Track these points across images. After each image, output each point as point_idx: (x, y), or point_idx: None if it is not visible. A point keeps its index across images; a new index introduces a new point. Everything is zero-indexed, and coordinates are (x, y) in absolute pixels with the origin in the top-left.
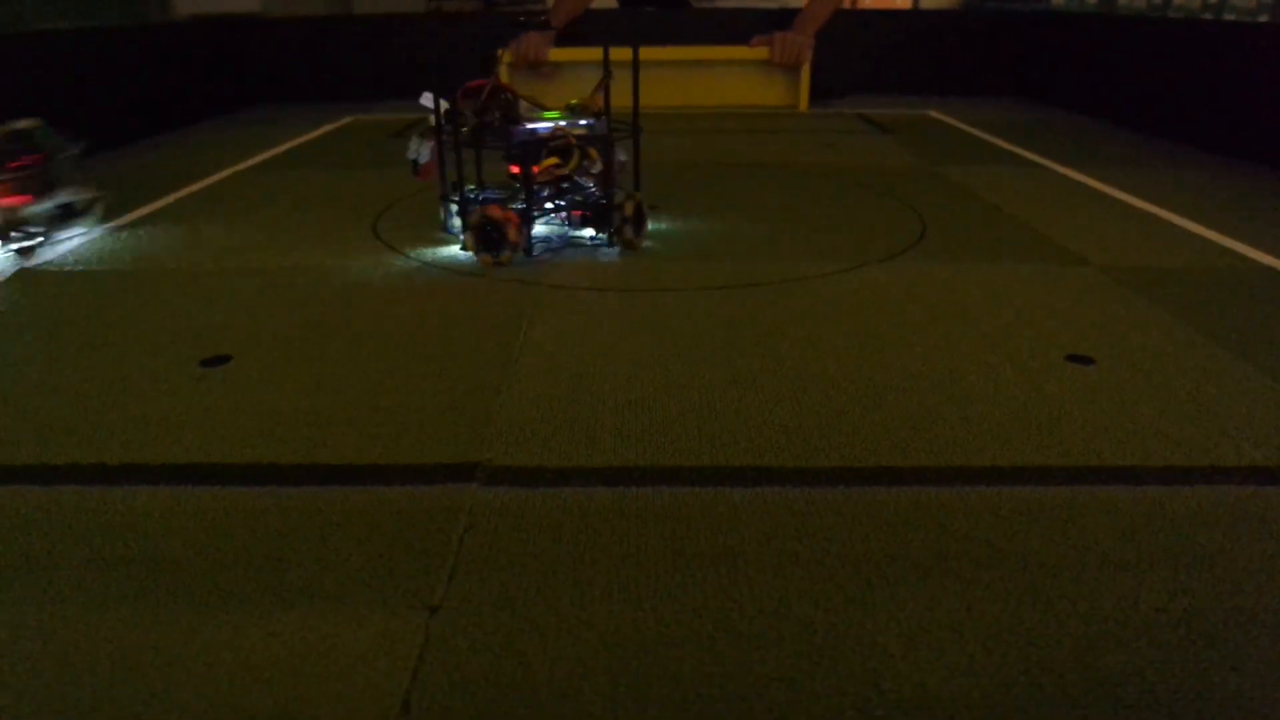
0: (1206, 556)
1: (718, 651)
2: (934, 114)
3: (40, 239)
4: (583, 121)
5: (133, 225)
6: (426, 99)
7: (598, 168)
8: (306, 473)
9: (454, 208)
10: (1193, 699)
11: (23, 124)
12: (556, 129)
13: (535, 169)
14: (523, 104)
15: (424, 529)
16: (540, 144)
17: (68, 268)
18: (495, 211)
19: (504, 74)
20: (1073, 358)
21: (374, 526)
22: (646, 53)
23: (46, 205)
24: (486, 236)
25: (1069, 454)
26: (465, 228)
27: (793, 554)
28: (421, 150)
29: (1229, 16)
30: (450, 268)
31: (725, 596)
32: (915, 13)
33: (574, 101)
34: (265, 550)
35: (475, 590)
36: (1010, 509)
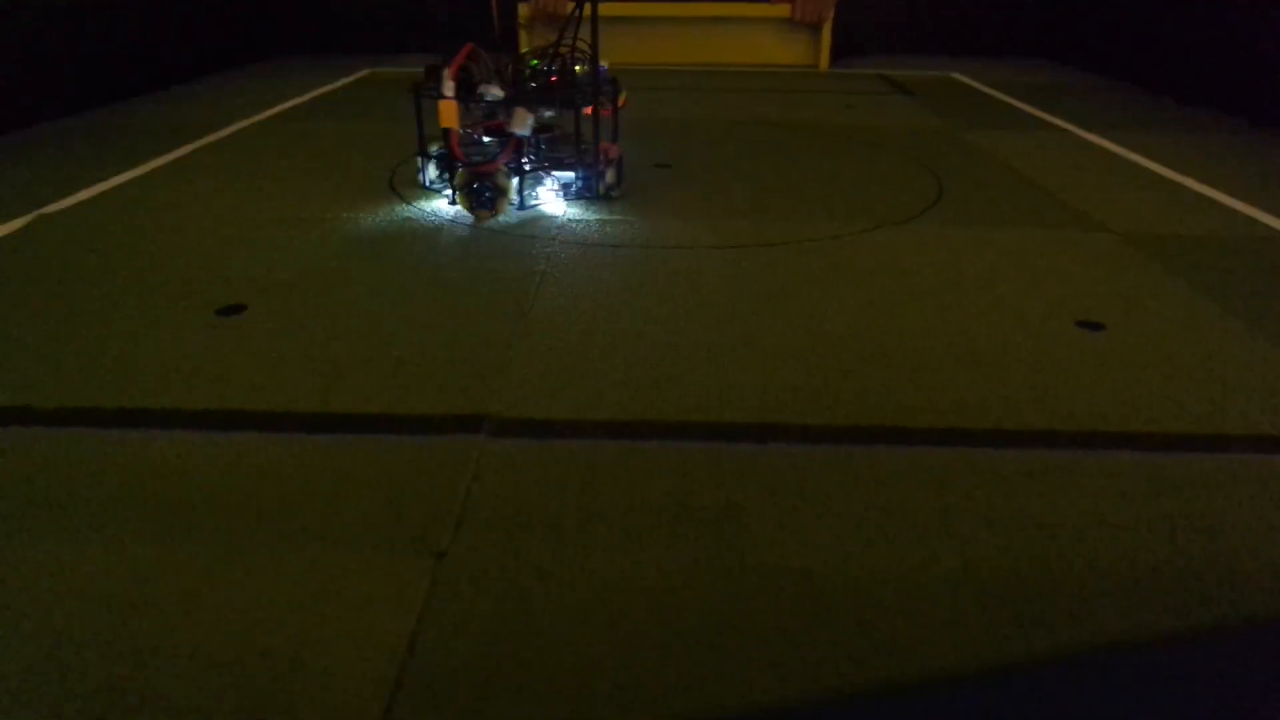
0: (1205, 521)
1: (717, 601)
2: (957, 75)
3: None
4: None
5: (148, 176)
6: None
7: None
8: (319, 420)
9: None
10: (1182, 657)
11: None
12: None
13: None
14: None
15: (432, 478)
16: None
17: (85, 217)
18: (483, 167)
19: (523, 35)
20: (1083, 324)
21: (384, 474)
22: (663, 9)
23: None
24: (477, 193)
25: (1073, 418)
26: (452, 187)
27: (794, 509)
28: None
29: None
30: (465, 222)
31: (726, 549)
32: None
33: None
34: (278, 494)
35: (481, 537)
36: (1012, 470)
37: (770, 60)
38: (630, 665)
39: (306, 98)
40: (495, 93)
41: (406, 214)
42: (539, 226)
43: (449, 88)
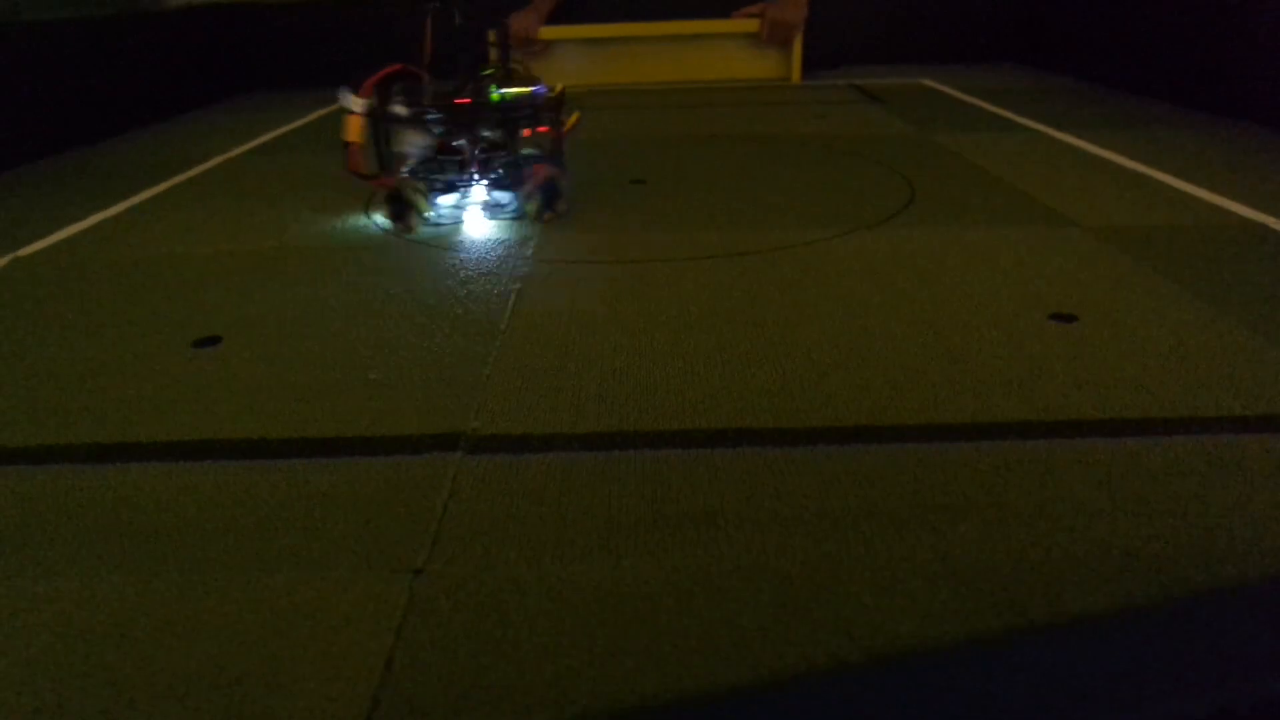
0: (1180, 504)
1: (696, 606)
2: (927, 82)
3: None
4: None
5: (124, 213)
6: (344, 96)
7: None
8: (294, 446)
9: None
10: (1157, 639)
11: None
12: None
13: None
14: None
15: (409, 497)
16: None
17: (61, 257)
18: (377, 182)
19: (492, 53)
20: (1056, 317)
21: (359, 496)
22: (636, 28)
23: None
24: (392, 206)
25: (1048, 409)
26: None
27: (771, 512)
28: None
29: None
30: (440, 245)
31: (704, 554)
32: None
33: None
34: (253, 520)
35: (458, 553)
36: (987, 464)
37: (743, 75)
38: (610, 674)
39: (282, 130)
40: (399, 111)
41: (382, 239)
42: (514, 245)
43: (354, 102)
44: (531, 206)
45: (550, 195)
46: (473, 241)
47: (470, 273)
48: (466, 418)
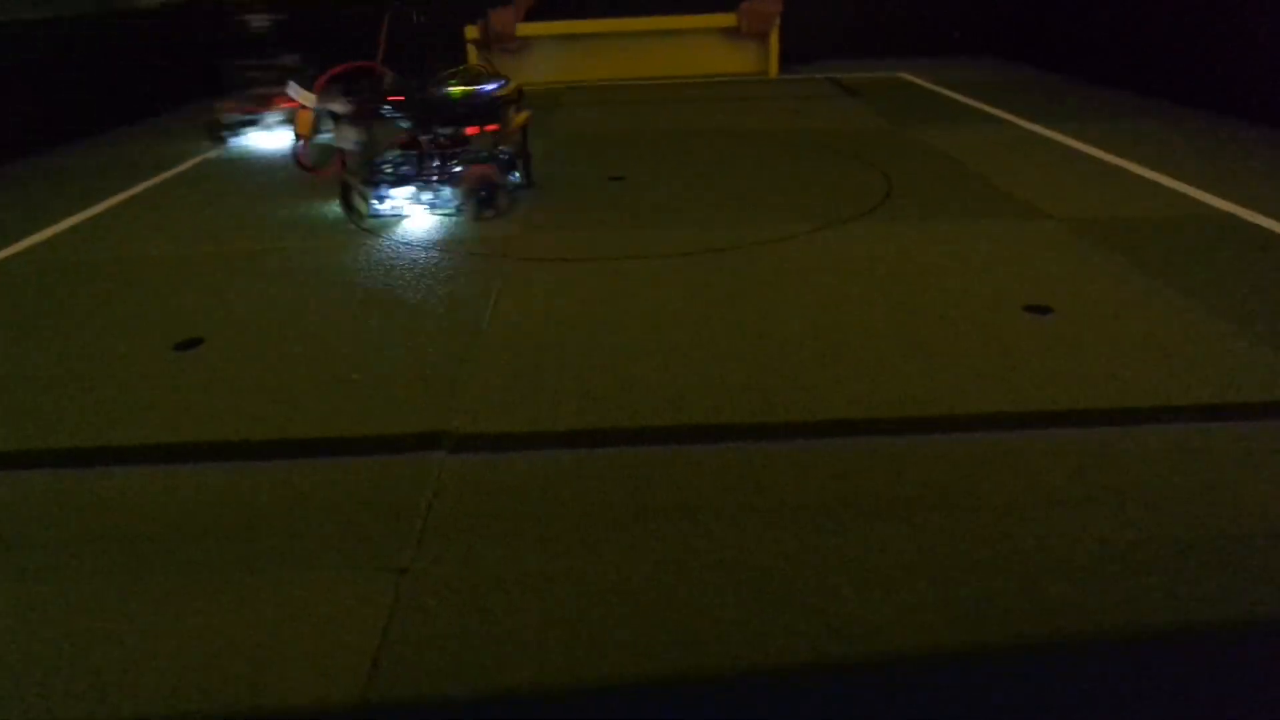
0: (1150, 491)
1: (677, 600)
2: (904, 75)
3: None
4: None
5: (102, 215)
6: (294, 90)
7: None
8: (277, 448)
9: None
10: (1130, 625)
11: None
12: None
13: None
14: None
15: (393, 496)
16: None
17: (39, 260)
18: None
19: (471, 51)
20: (1030, 308)
21: (344, 496)
22: (612, 24)
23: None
24: (343, 197)
25: (1022, 400)
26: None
27: (749, 505)
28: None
29: None
30: (421, 244)
31: (684, 548)
32: None
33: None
34: (236, 522)
35: (443, 551)
36: (963, 455)
37: (721, 69)
38: (594, 667)
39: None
40: (337, 107)
41: (360, 238)
42: (496, 244)
43: (304, 97)
44: (464, 205)
45: (487, 195)
46: (452, 240)
47: (450, 272)
48: (449, 417)
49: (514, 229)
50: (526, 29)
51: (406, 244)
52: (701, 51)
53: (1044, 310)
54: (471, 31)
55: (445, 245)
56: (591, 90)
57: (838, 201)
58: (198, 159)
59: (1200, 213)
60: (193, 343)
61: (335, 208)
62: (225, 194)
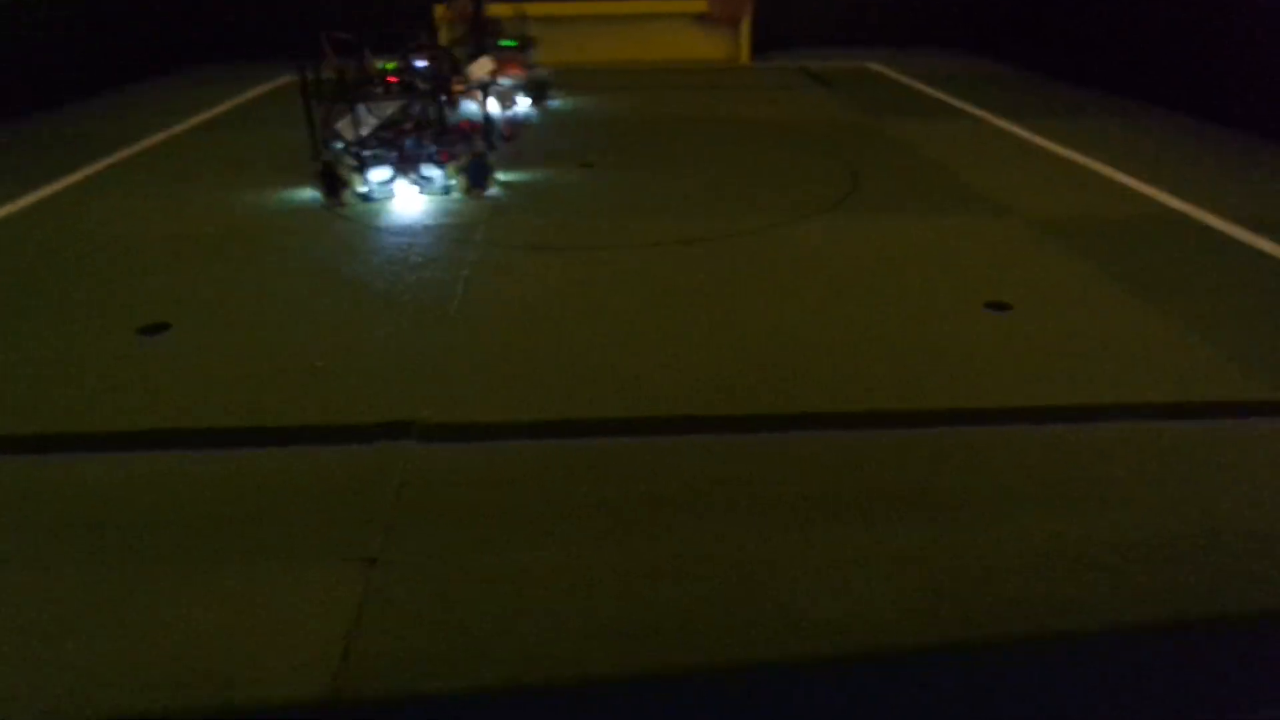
0: (1102, 488)
1: (641, 592)
2: (874, 66)
3: None
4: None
5: (62, 192)
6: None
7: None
8: (245, 436)
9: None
10: (1078, 619)
11: None
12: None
13: None
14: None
15: (362, 485)
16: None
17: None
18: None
19: (442, 29)
20: (991, 305)
21: (313, 484)
22: (583, 7)
23: None
24: (325, 180)
25: (980, 396)
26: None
27: (713, 499)
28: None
29: None
30: (391, 229)
31: (649, 540)
32: None
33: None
34: (206, 512)
35: (412, 541)
36: (921, 451)
37: (693, 55)
38: (559, 658)
39: (227, 106)
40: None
41: (329, 221)
42: (466, 230)
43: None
44: (457, 181)
45: (479, 173)
46: (422, 226)
47: (419, 258)
48: (417, 406)
49: (483, 215)
50: (494, 12)
51: (373, 228)
52: (672, 37)
53: (1004, 307)
54: (439, 11)
55: (412, 230)
56: (560, 73)
57: (806, 194)
58: (164, 135)
59: (1156, 212)
60: (159, 328)
61: (310, 191)
62: (190, 173)
